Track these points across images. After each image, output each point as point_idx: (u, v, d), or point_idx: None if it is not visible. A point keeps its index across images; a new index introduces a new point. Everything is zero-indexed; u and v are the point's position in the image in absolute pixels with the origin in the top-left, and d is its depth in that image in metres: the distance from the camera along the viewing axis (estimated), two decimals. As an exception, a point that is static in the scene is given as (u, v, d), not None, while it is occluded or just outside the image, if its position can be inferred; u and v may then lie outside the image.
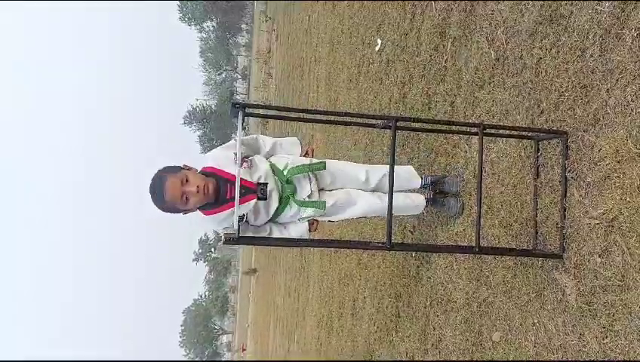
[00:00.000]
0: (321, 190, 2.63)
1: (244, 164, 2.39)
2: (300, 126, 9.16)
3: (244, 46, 66.72)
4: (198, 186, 2.29)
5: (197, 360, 75.19)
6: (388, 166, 2.70)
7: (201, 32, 71.29)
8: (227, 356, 66.78)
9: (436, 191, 2.87)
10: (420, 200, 2.82)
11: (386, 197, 2.69)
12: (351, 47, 5.66)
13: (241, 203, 2.38)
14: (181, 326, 77.33)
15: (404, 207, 2.80)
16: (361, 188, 2.70)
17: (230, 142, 2.56)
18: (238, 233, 2.03)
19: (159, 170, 2.37)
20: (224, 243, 2.05)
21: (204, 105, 72.49)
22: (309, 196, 2.54)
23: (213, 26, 70.12)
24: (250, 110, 2.14)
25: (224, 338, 73.62)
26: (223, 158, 2.43)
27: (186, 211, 2.39)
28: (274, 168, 2.53)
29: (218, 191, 2.39)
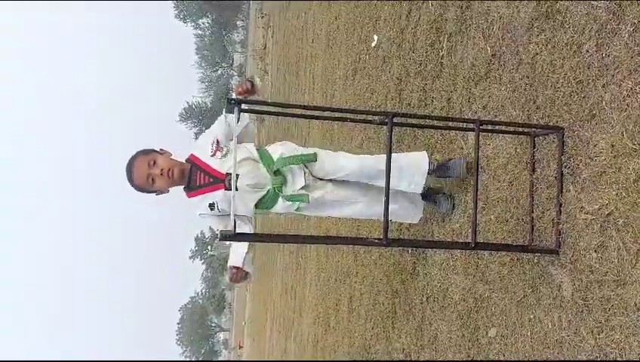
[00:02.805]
0: (320, 179, 2.54)
1: (218, 154, 2.45)
2: (297, 122, 9.16)
3: (239, 43, 66.58)
4: (162, 169, 2.41)
5: (194, 360, 75.15)
6: (400, 157, 2.56)
7: (196, 28, 71.10)
8: (224, 353, 66.82)
9: (438, 177, 2.77)
10: (418, 205, 2.79)
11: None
12: (347, 43, 5.65)
13: (207, 191, 2.46)
14: (178, 323, 77.30)
15: (402, 214, 2.79)
16: (365, 180, 2.58)
17: (213, 127, 2.57)
18: (235, 229, 2.02)
19: (135, 152, 2.50)
20: (220, 240, 2.05)
21: (200, 102, 72.34)
22: (303, 188, 2.47)
23: (208, 23, 69.94)
24: (246, 106, 2.14)
25: (221, 336, 73.66)
26: (200, 146, 2.53)
27: (156, 192, 2.52)
28: (264, 158, 2.47)
29: (189, 177, 2.48)
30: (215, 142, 2.47)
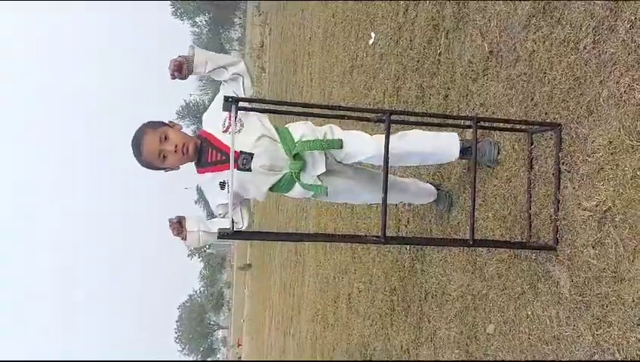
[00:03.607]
0: (339, 163, 2.40)
1: (230, 129, 2.18)
2: (294, 119, 9.13)
3: (237, 40, 66.47)
4: (176, 145, 2.20)
5: (193, 360, 75.17)
6: (427, 140, 2.40)
7: (193, 26, 71.03)
8: (223, 351, 66.87)
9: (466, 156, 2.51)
10: (430, 189, 2.78)
11: (397, 186, 2.62)
12: (344, 41, 5.64)
13: (218, 169, 2.26)
14: (176, 321, 77.32)
15: (416, 197, 2.78)
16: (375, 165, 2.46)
17: (220, 93, 2.31)
18: (232, 227, 2.02)
19: (142, 125, 2.27)
20: (218, 238, 2.04)
21: (198, 100, 72.32)
22: (323, 173, 2.29)
23: (205, 21, 69.85)
24: (243, 104, 2.14)
25: (219, 334, 73.72)
26: (211, 119, 2.31)
27: (166, 169, 2.30)
28: (284, 138, 2.27)
29: (199, 153, 2.27)
30: (228, 116, 2.23)
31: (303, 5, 9.55)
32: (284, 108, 2.34)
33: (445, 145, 2.40)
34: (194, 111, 71.23)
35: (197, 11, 67.41)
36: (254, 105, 2.31)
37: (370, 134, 2.41)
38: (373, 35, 4.53)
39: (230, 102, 1.96)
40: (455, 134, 2.43)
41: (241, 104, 2.04)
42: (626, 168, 1.70)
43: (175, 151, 2.20)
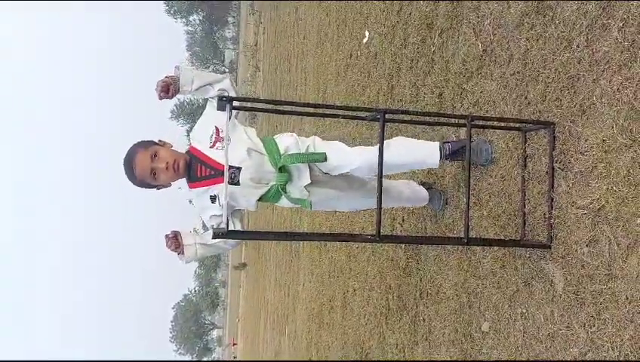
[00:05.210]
0: (325, 173, 2.43)
1: (218, 144, 2.28)
2: (288, 119, 9.14)
3: (230, 39, 66.34)
4: (167, 163, 2.26)
5: (189, 360, 75.07)
6: (410, 152, 2.43)
7: (187, 25, 70.82)
8: (218, 351, 66.79)
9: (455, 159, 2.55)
10: (423, 194, 2.80)
11: (391, 191, 2.64)
12: (339, 39, 5.64)
13: (208, 184, 2.31)
14: (171, 321, 77.15)
15: (411, 200, 2.80)
16: (373, 174, 2.45)
17: (207, 112, 2.36)
18: (227, 226, 2.02)
19: (132, 145, 2.33)
20: (213, 238, 2.04)
21: (192, 99, 72.13)
22: (309, 184, 2.34)
23: (199, 20, 69.66)
24: (238, 103, 2.13)
25: (214, 333, 73.59)
26: (199, 135, 2.36)
27: (158, 187, 2.36)
28: (270, 151, 2.32)
29: (189, 169, 2.32)
30: (214, 132, 2.29)
31: (297, 4, 9.54)
32: (278, 107, 2.33)
33: (427, 153, 2.44)
34: (188, 111, 71.05)
35: (190, 10, 67.20)
36: (248, 104, 2.30)
37: (365, 134, 2.42)
38: (367, 33, 4.53)
39: (225, 102, 1.95)
40: (436, 143, 2.47)
41: (235, 104, 2.04)
42: (620, 166, 1.71)
43: (166, 168, 2.27)
